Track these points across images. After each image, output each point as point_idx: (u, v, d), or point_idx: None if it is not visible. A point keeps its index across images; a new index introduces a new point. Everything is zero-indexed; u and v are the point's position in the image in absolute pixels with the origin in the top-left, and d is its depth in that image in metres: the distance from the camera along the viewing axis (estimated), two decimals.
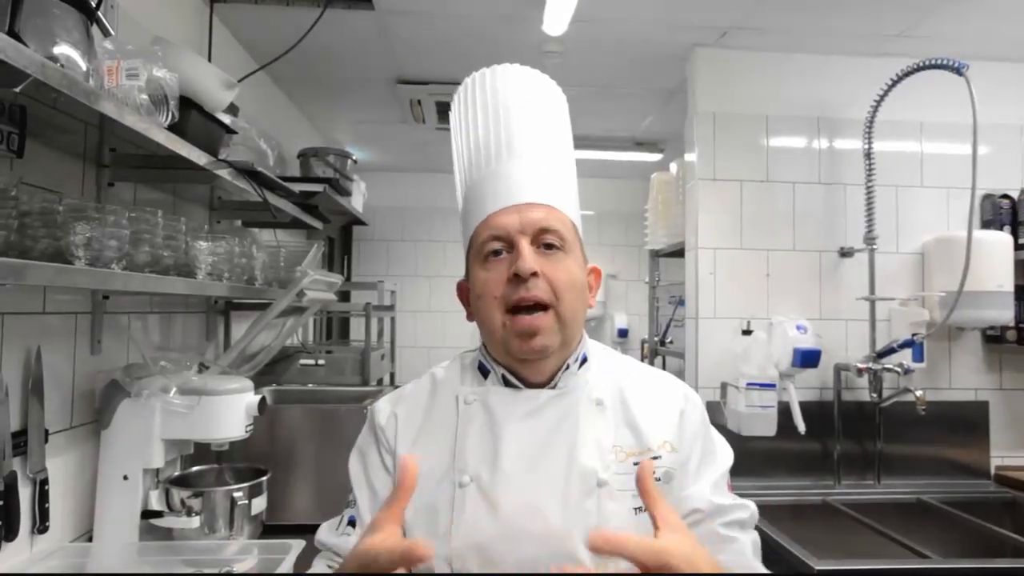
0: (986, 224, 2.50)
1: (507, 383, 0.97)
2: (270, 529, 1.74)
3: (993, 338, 2.53)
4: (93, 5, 1.17)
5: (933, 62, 2.13)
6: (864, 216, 2.37)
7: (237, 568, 1.44)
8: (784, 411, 2.30)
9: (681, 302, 2.80)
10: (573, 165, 1.07)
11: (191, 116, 1.46)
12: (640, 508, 0.90)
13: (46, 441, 1.40)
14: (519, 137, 1.00)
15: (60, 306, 1.47)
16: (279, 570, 1.43)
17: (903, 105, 2.39)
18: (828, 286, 2.52)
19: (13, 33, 0.93)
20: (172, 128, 1.35)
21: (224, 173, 1.58)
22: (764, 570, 0.94)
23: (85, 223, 1.15)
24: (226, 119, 1.69)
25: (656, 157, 4.05)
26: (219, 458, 1.77)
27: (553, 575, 0.74)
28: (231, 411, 1.59)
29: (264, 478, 1.67)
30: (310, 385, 2.58)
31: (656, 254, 3.17)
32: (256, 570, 1.47)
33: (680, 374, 2.64)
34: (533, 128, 1.02)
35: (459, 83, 1.09)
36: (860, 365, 2.32)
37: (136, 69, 1.22)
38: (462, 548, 0.87)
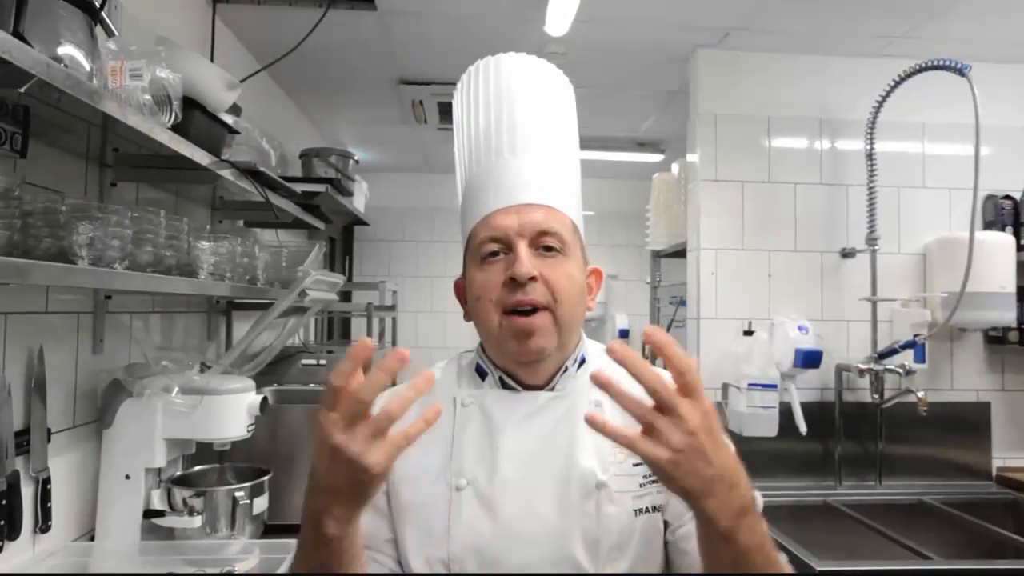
0: (988, 225, 2.50)
1: (505, 385, 0.96)
2: (272, 529, 1.74)
3: (995, 339, 2.52)
4: (97, 6, 1.17)
5: (935, 63, 2.13)
6: (866, 217, 2.37)
7: (239, 568, 1.45)
8: (785, 412, 2.30)
9: (682, 302, 2.80)
10: (577, 160, 1.04)
11: (194, 116, 1.46)
12: (640, 510, 0.89)
13: (48, 440, 1.40)
14: (521, 132, 0.98)
15: (62, 306, 1.47)
16: (280, 570, 1.42)
17: (905, 106, 2.38)
18: (830, 287, 2.52)
19: (17, 33, 0.94)
20: (175, 128, 1.35)
21: (226, 173, 1.58)
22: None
23: (88, 223, 1.15)
24: (229, 119, 1.69)
25: (658, 158, 4.04)
26: (221, 458, 1.77)
27: (546, 574, 0.74)
28: (233, 411, 1.59)
29: (266, 478, 1.67)
30: (312, 385, 2.58)
31: (657, 254, 3.17)
32: (257, 570, 1.47)
33: None
34: (536, 122, 0.99)
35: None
36: (862, 366, 2.32)
37: (139, 69, 1.23)
38: (460, 551, 0.86)
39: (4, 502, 1.26)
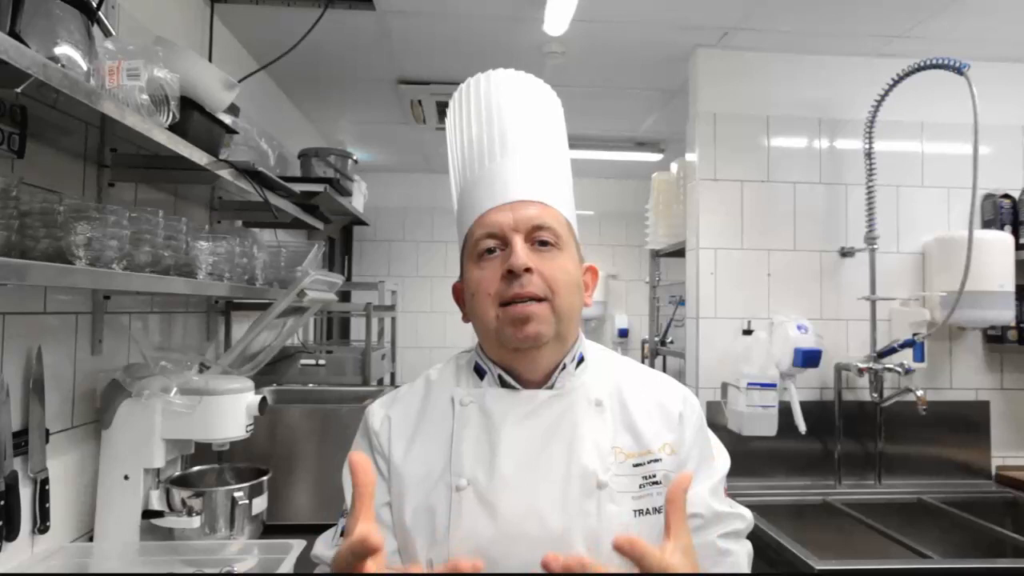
0: (987, 224, 2.50)
1: (503, 383, 0.96)
2: (271, 529, 1.74)
3: (994, 338, 2.53)
4: (94, 5, 1.17)
5: (934, 62, 2.13)
6: (865, 216, 2.37)
7: (238, 568, 1.44)
8: (785, 411, 2.30)
9: (682, 302, 2.80)
10: (567, 164, 1.07)
11: (192, 116, 1.46)
12: (640, 511, 0.90)
13: (47, 441, 1.40)
14: (512, 136, 1.00)
15: (61, 306, 1.47)
16: (280, 570, 1.43)
17: (904, 105, 2.38)
18: (829, 286, 2.52)
19: (14, 34, 0.93)
20: (173, 128, 1.34)
21: (225, 173, 1.58)
22: None
23: (86, 223, 1.15)
24: (227, 119, 1.69)
25: (657, 157, 4.04)
26: (220, 458, 1.77)
27: (545, 575, 0.74)
28: (232, 411, 1.59)
29: (265, 478, 1.67)
30: (311, 385, 2.58)
31: (657, 254, 3.17)
32: (257, 570, 1.47)
33: (681, 374, 2.64)
34: (526, 127, 1.02)
35: (460, 83, 1.09)
36: (861, 365, 2.32)
37: (137, 69, 1.22)
38: (460, 552, 0.86)
39: (3, 503, 1.26)
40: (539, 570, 0.85)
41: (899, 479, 2.43)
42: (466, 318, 0.99)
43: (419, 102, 3.20)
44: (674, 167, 2.90)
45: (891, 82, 2.27)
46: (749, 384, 2.27)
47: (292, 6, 2.24)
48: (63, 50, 1.06)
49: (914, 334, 2.30)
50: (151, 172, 1.66)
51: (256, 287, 1.88)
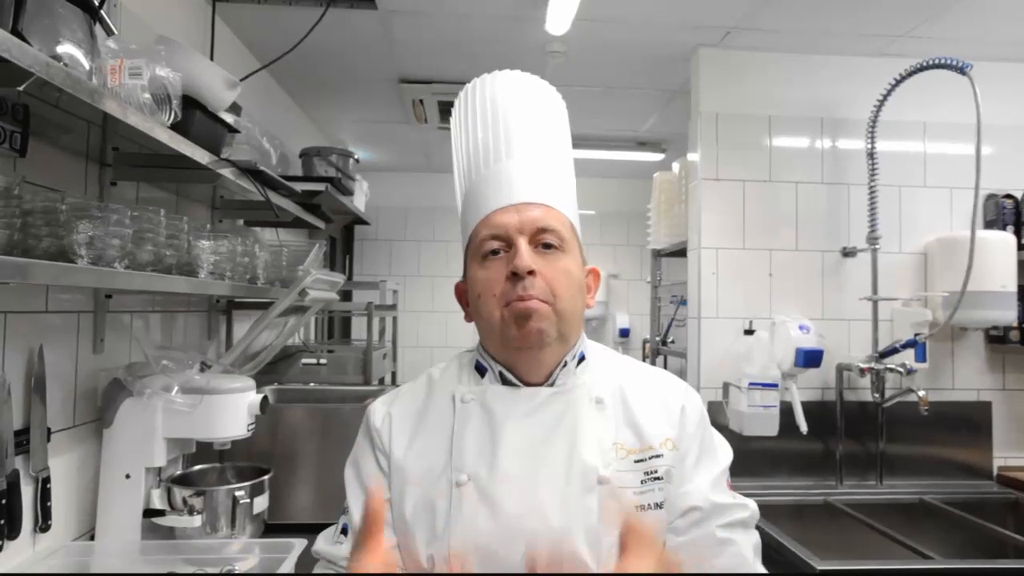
0: (989, 224, 2.50)
1: (505, 381, 0.97)
2: (272, 528, 1.74)
3: (996, 338, 2.52)
4: (96, 4, 1.17)
5: (937, 62, 2.12)
6: (867, 216, 2.37)
7: (239, 567, 1.44)
8: (786, 411, 2.30)
9: (683, 302, 2.80)
10: (571, 166, 1.07)
11: (194, 115, 1.46)
12: (643, 506, 0.90)
13: (48, 440, 1.40)
14: (517, 138, 1.01)
15: (62, 305, 1.47)
16: (281, 569, 1.43)
17: (906, 105, 2.38)
18: (831, 286, 2.52)
19: (17, 32, 0.93)
20: (175, 127, 1.35)
21: (227, 172, 1.58)
22: (763, 571, 0.94)
23: (88, 222, 1.15)
24: (229, 118, 1.69)
25: (659, 157, 4.04)
26: (221, 457, 1.77)
27: (537, 575, 0.74)
28: (233, 410, 1.59)
29: (266, 477, 1.68)
30: (312, 384, 2.58)
31: (658, 254, 3.16)
32: (258, 569, 1.47)
33: (682, 374, 2.64)
34: (531, 129, 1.03)
35: (462, 83, 1.10)
36: (863, 365, 2.32)
37: (139, 68, 1.22)
38: (460, 547, 0.86)
39: (4, 501, 1.26)
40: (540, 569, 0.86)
41: (901, 479, 2.42)
42: (468, 318, 1.00)
43: (420, 101, 3.19)
44: (676, 167, 2.89)
45: (893, 82, 2.26)
46: (750, 384, 2.27)
47: (294, 5, 2.24)
48: (65, 49, 1.06)
49: (916, 334, 2.29)
50: (153, 171, 1.66)
51: (257, 286, 1.88)
